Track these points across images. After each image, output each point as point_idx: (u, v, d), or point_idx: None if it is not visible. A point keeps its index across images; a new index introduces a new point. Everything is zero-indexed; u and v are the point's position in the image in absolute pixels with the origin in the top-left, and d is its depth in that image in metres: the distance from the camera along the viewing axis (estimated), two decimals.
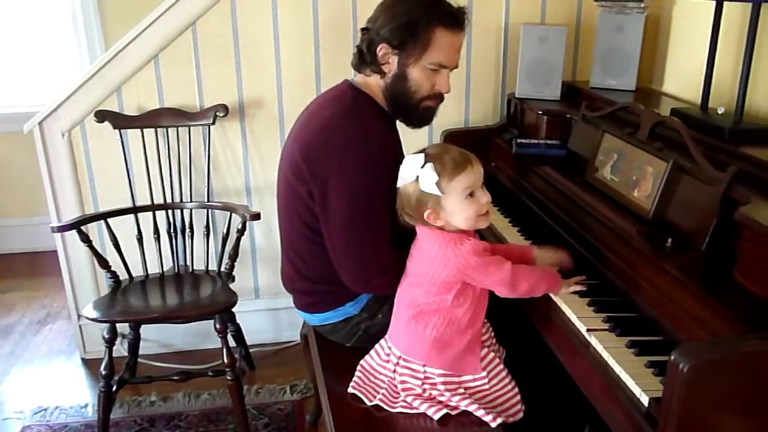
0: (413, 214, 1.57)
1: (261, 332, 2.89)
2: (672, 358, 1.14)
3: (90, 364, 2.82)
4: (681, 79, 2.34)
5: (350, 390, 1.65)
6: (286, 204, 1.80)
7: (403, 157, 1.61)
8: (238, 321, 2.61)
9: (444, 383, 1.58)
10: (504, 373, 1.63)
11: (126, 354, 2.57)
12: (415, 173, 1.53)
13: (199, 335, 2.83)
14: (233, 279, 2.46)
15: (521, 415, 1.63)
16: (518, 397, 1.63)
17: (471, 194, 1.54)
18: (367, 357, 1.74)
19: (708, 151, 1.70)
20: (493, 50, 2.71)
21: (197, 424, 2.42)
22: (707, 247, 1.49)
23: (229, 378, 2.27)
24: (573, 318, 1.54)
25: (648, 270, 1.53)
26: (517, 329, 1.82)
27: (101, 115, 2.46)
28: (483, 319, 1.61)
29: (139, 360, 2.67)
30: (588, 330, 1.48)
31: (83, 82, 2.50)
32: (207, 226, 2.56)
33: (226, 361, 2.26)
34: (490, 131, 2.61)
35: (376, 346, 1.73)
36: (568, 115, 2.25)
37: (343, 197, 1.63)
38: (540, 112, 2.33)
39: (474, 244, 1.54)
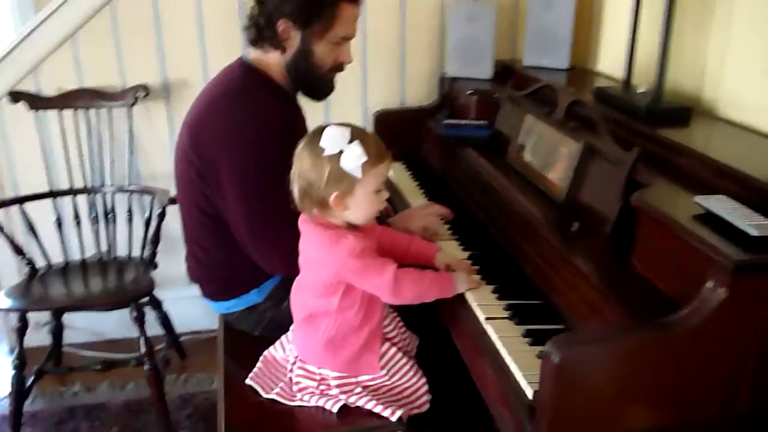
0: (314, 195, 1.40)
1: (195, 320, 2.80)
2: (546, 348, 1.07)
3: None
4: (613, 58, 2.27)
5: (248, 381, 1.58)
6: (182, 191, 1.72)
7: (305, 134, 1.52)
8: (165, 309, 2.53)
9: (339, 385, 1.51)
10: (407, 367, 1.55)
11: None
12: (339, 147, 1.35)
13: (130, 323, 2.74)
14: (155, 266, 2.37)
15: (427, 406, 1.57)
16: (424, 389, 1.57)
17: (378, 191, 1.44)
18: (271, 348, 1.66)
19: (623, 131, 1.64)
20: (429, 28, 2.63)
21: (117, 415, 2.34)
22: (612, 232, 1.43)
23: (146, 368, 2.19)
24: (474, 306, 1.48)
25: (552, 256, 1.47)
26: (433, 313, 1.75)
27: (15, 96, 2.36)
28: (381, 314, 1.53)
29: (66, 349, 2.60)
30: (487, 318, 1.42)
31: None
32: (129, 211, 2.46)
33: (143, 350, 2.19)
34: (424, 112, 2.53)
35: (282, 338, 1.66)
36: (495, 95, 2.18)
37: (234, 180, 1.56)
38: (469, 92, 2.26)
39: (351, 244, 1.39)
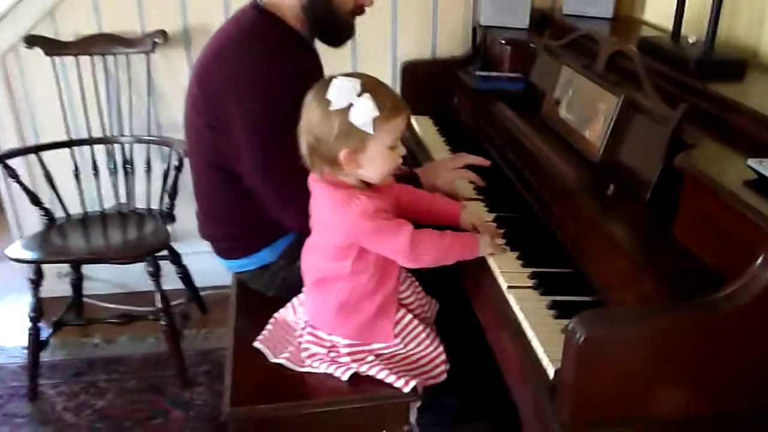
0: (323, 152, 1.29)
1: (216, 275, 2.72)
2: (570, 325, 0.97)
3: (42, 304, 2.71)
4: (661, 6, 2.08)
5: (256, 344, 1.51)
6: (192, 144, 1.63)
7: None
8: (185, 263, 2.48)
9: (351, 353, 1.42)
10: (424, 335, 1.46)
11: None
12: (348, 100, 1.23)
13: None
14: (173, 219, 2.31)
15: (444, 377, 1.48)
16: (441, 358, 1.48)
17: (393, 147, 1.31)
18: (282, 310, 1.59)
19: (669, 85, 1.49)
20: None
21: (137, 369, 2.32)
22: (652, 196, 1.30)
23: (163, 323, 2.15)
24: (496, 272, 1.37)
25: (584, 221, 1.35)
26: (453, 276, 1.65)
27: (31, 41, 2.28)
28: (397, 279, 1.43)
29: (88, 300, 2.57)
30: (509, 287, 1.31)
31: (14, 3, 2.30)
32: (147, 162, 2.39)
33: (159, 305, 2.14)
34: (455, 63, 2.38)
35: (294, 299, 1.58)
36: (531, 45, 2.03)
37: (245, 129, 1.46)
38: (503, 42, 2.10)
39: (364, 204, 1.27)
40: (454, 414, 1.82)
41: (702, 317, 0.96)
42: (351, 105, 1.24)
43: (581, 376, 0.96)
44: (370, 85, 1.27)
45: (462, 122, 2.17)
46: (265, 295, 1.72)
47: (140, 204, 2.42)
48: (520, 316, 1.24)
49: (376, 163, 1.30)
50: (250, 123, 1.45)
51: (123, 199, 2.42)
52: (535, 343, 1.16)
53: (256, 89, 1.42)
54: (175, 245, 2.40)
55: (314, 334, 1.46)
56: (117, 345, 2.44)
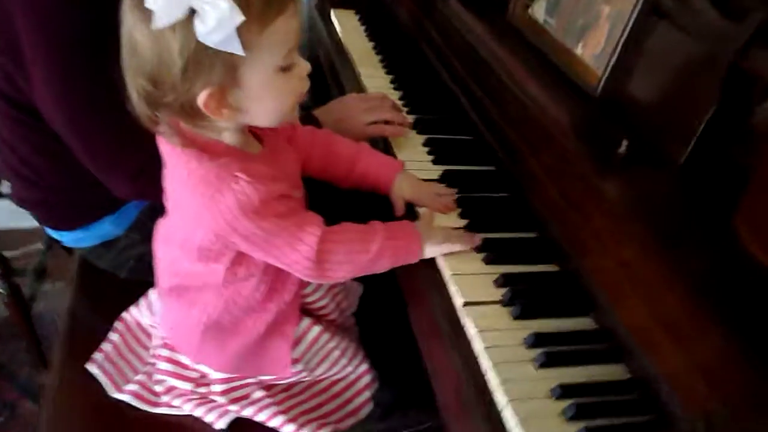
0: (168, 101, 0.74)
1: None
2: None
3: None
4: None
5: (89, 367, 1.02)
6: None
7: None
8: None
9: (228, 390, 0.95)
10: (338, 352, 1.00)
11: None
12: (185, 4, 0.68)
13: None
14: None
15: (369, 408, 1.04)
16: (365, 380, 1.04)
17: (294, 62, 0.77)
18: (133, 308, 1.09)
19: None
20: None
21: None
22: (689, 160, 0.83)
23: (2, 291, 1.61)
24: (446, 275, 0.89)
25: (581, 194, 0.87)
26: None
27: None
28: (297, 283, 0.94)
29: None
30: (465, 303, 0.84)
31: None
32: None
33: None
34: None
35: (150, 292, 1.07)
36: None
37: (41, 58, 0.91)
38: None
39: (245, 192, 0.76)
40: (387, 408, 1.40)
41: None
42: (193, 12, 0.68)
43: None
44: None
45: (399, 20, 1.61)
46: (116, 277, 1.21)
47: None
48: (481, 354, 0.77)
49: (265, 99, 0.77)
50: (45, 41, 0.90)
51: None
52: (493, 381, 0.71)
53: None
54: None
55: (173, 360, 0.98)
56: None
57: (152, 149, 0.84)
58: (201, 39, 0.68)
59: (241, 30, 0.68)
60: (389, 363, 1.11)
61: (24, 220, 1.38)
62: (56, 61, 0.91)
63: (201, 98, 0.73)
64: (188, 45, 0.69)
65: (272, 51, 0.74)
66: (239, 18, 0.67)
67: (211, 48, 0.69)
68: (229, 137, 0.80)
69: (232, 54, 0.70)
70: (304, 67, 0.79)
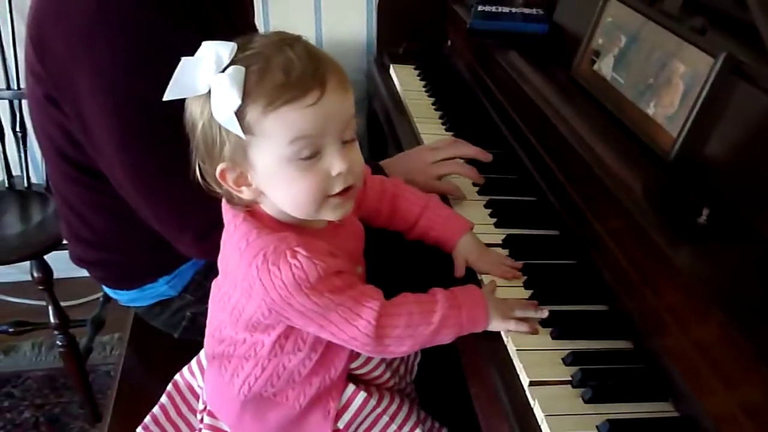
0: (204, 165, 0.77)
1: None
2: None
3: None
4: None
5: (138, 431, 0.99)
6: (38, 126, 1.06)
7: None
8: None
9: None
10: (386, 418, 0.94)
11: None
12: (206, 81, 0.70)
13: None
14: None
15: None
16: None
17: (310, 154, 0.73)
18: (185, 370, 1.06)
19: None
20: None
21: (36, 391, 1.81)
22: None
23: (59, 343, 1.62)
24: (511, 351, 0.83)
25: (656, 270, 0.81)
26: None
27: None
28: (347, 356, 0.89)
29: None
30: (532, 383, 0.78)
31: None
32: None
33: (52, 321, 1.61)
34: None
35: (201, 353, 1.05)
36: None
37: (104, 114, 0.91)
38: None
39: (302, 268, 0.73)
40: None
41: None
42: (210, 90, 0.70)
43: None
44: (256, 50, 0.71)
45: (460, 75, 1.59)
46: (170, 338, 1.20)
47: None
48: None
49: (277, 188, 0.76)
50: (107, 94, 0.89)
51: (19, 171, 1.84)
52: None
53: (116, 47, 0.86)
54: None
55: (215, 427, 0.94)
56: (17, 357, 1.92)
57: (219, 209, 0.84)
58: (214, 113, 0.70)
59: (243, 113, 0.69)
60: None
61: (83, 270, 1.41)
62: (125, 129, 0.90)
63: (217, 171, 0.75)
64: (206, 116, 0.72)
65: (274, 140, 0.72)
66: (236, 102, 0.68)
67: (219, 123, 0.71)
68: (281, 216, 0.79)
69: (238, 136, 0.71)
70: (335, 165, 0.73)
